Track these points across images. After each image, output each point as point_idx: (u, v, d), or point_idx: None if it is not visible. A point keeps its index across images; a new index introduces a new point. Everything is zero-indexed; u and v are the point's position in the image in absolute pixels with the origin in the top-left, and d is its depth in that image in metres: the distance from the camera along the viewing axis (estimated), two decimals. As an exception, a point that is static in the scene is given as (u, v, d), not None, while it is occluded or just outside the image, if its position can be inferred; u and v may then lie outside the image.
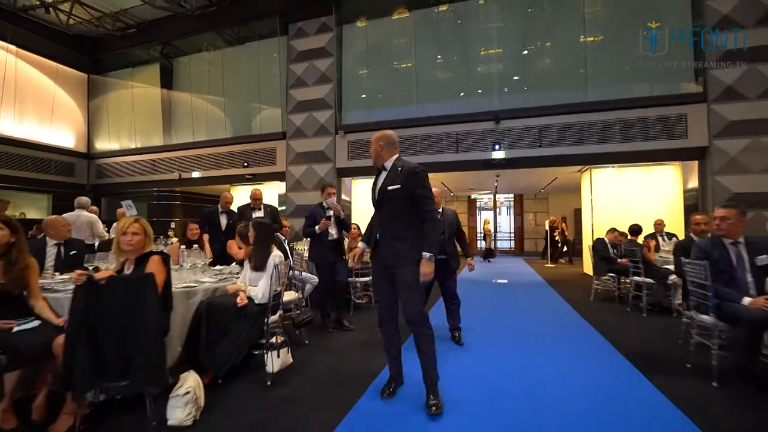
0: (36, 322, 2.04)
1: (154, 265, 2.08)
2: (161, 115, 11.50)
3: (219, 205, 4.90)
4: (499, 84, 8.64)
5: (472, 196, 16.56)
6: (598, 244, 5.47)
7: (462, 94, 8.86)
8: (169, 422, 1.96)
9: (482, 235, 13.74)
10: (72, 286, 2.39)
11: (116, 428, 1.97)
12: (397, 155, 2.48)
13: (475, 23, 9.01)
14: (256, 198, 4.84)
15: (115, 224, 2.27)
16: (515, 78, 8.63)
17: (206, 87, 11.18)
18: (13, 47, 10.35)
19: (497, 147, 8.23)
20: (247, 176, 10.33)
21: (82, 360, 1.78)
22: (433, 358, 2.26)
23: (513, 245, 16.71)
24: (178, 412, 1.97)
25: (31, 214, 11.26)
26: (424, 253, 2.20)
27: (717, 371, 2.49)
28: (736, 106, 6.96)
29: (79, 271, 2.07)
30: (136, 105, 11.91)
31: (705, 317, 2.60)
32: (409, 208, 2.30)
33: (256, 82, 10.54)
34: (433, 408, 2.14)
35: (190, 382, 2.08)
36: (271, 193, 10.45)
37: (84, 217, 4.77)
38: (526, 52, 8.70)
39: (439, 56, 9.43)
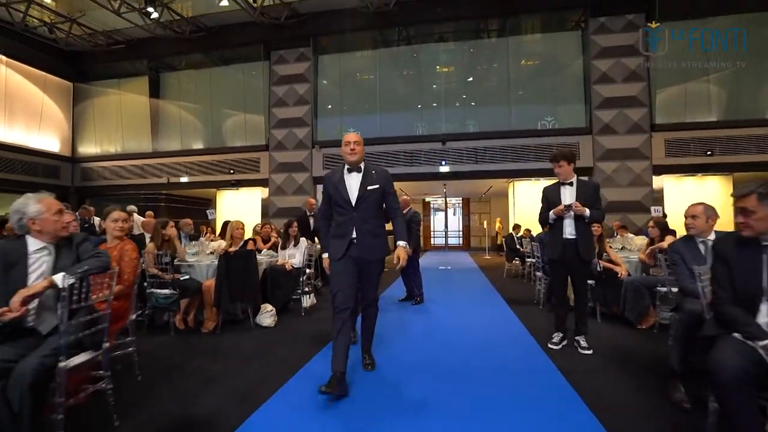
0: (187, 276, 3.82)
1: (251, 246, 3.94)
2: (149, 124, 12.63)
3: (306, 209, 6.49)
4: (446, 114, 10.92)
5: (426, 199, 18.92)
6: (508, 238, 7.82)
7: (415, 121, 11.07)
8: (263, 325, 3.84)
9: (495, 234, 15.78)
10: (192, 259, 4.19)
11: (235, 329, 3.81)
12: None
13: (428, 60, 11.28)
14: None
15: (230, 222, 4.08)
16: (457, 111, 10.96)
17: (194, 100, 12.53)
18: (3, 58, 11.09)
19: (443, 163, 10.48)
20: (232, 182, 11.84)
21: (225, 292, 3.63)
22: (373, 330, 2.83)
23: (461, 242, 19.26)
24: (267, 320, 3.86)
25: (18, 214, 11.98)
26: (400, 242, 2.53)
27: (542, 302, 4.75)
28: (611, 138, 9.67)
29: (222, 248, 3.88)
30: (124, 113, 12.94)
31: (539, 273, 4.86)
32: (380, 208, 2.60)
33: (241, 98, 12.07)
34: (369, 366, 2.74)
35: (269, 307, 3.97)
36: (254, 197, 12.05)
37: (139, 220, 6.50)
38: (470, 79, 11.10)
39: (399, 79, 11.61)
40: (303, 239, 4.71)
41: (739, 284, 1.58)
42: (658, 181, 9.73)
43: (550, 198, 3.13)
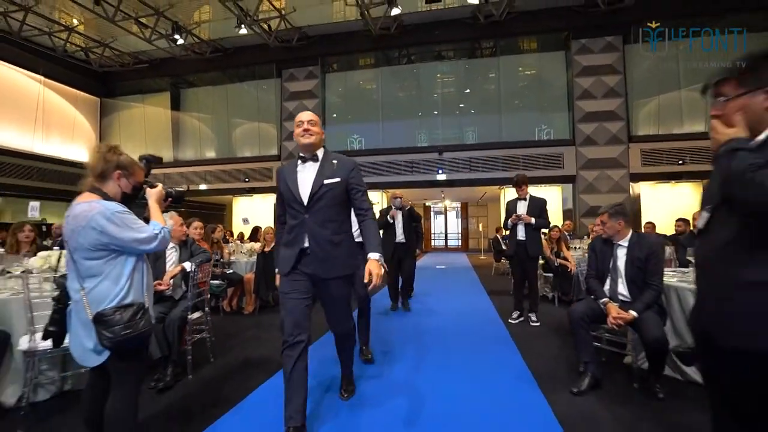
0: (232, 270, 4.88)
1: (281, 246, 5.01)
2: (171, 135, 13.77)
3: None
4: (443, 126, 11.98)
5: (426, 204, 19.95)
6: (494, 240, 8.83)
7: (415, 132, 12.15)
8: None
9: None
10: (233, 258, 5.25)
11: (269, 312, 4.86)
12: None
13: (427, 76, 12.34)
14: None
15: (262, 228, 5.14)
16: (454, 123, 12.02)
17: (212, 113, 13.66)
18: (42, 78, 12.24)
19: (440, 171, 11.51)
20: (246, 189, 12.94)
21: (262, 282, 4.68)
22: (352, 359, 2.42)
23: (460, 244, 20.28)
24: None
25: (53, 220, 13.12)
26: (372, 255, 1.92)
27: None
28: (592, 149, 10.66)
29: (257, 248, 4.94)
30: (147, 126, 14.09)
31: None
32: (344, 209, 2.09)
33: (255, 112, 13.18)
34: (346, 394, 2.35)
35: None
36: (267, 203, 13.13)
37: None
38: (467, 90, 12.17)
39: (400, 95, 12.68)
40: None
41: (599, 266, 2.62)
42: (635, 188, 10.71)
43: (510, 209, 4.18)
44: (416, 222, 5.05)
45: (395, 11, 9.46)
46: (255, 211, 13.23)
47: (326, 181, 2.00)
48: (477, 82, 12.26)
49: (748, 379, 1.06)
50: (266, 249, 4.97)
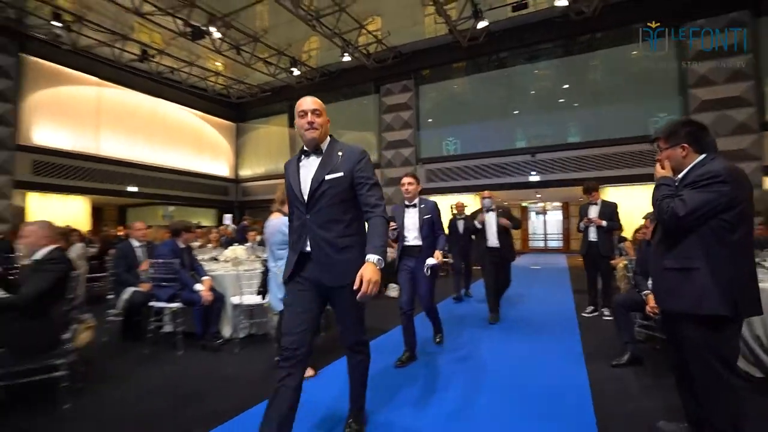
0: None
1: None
2: (289, 149, 16.25)
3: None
4: (537, 126, 11.99)
5: (523, 204, 19.59)
6: (589, 241, 8.73)
7: (508, 135, 12.36)
8: (390, 295, 5.95)
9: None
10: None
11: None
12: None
13: (519, 79, 12.46)
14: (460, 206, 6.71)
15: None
16: (549, 122, 11.92)
17: (320, 131, 15.73)
18: (199, 113, 15.65)
19: (533, 173, 11.56)
20: (350, 194, 14.61)
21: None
22: (365, 384, 2.02)
23: (561, 245, 19.40)
24: (394, 293, 5.95)
25: (205, 222, 16.61)
26: (370, 256, 1.61)
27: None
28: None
29: None
30: (270, 143, 16.86)
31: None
32: (352, 207, 1.81)
33: (357, 125, 14.80)
34: None
35: (395, 285, 6.06)
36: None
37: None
38: (565, 86, 11.98)
39: (493, 97, 12.97)
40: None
41: (644, 264, 3.03)
42: (769, 182, 9.38)
43: (582, 213, 4.56)
44: (515, 226, 4.54)
45: (482, 24, 9.95)
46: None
47: (328, 177, 1.77)
48: (573, 78, 11.91)
49: (674, 326, 1.67)
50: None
